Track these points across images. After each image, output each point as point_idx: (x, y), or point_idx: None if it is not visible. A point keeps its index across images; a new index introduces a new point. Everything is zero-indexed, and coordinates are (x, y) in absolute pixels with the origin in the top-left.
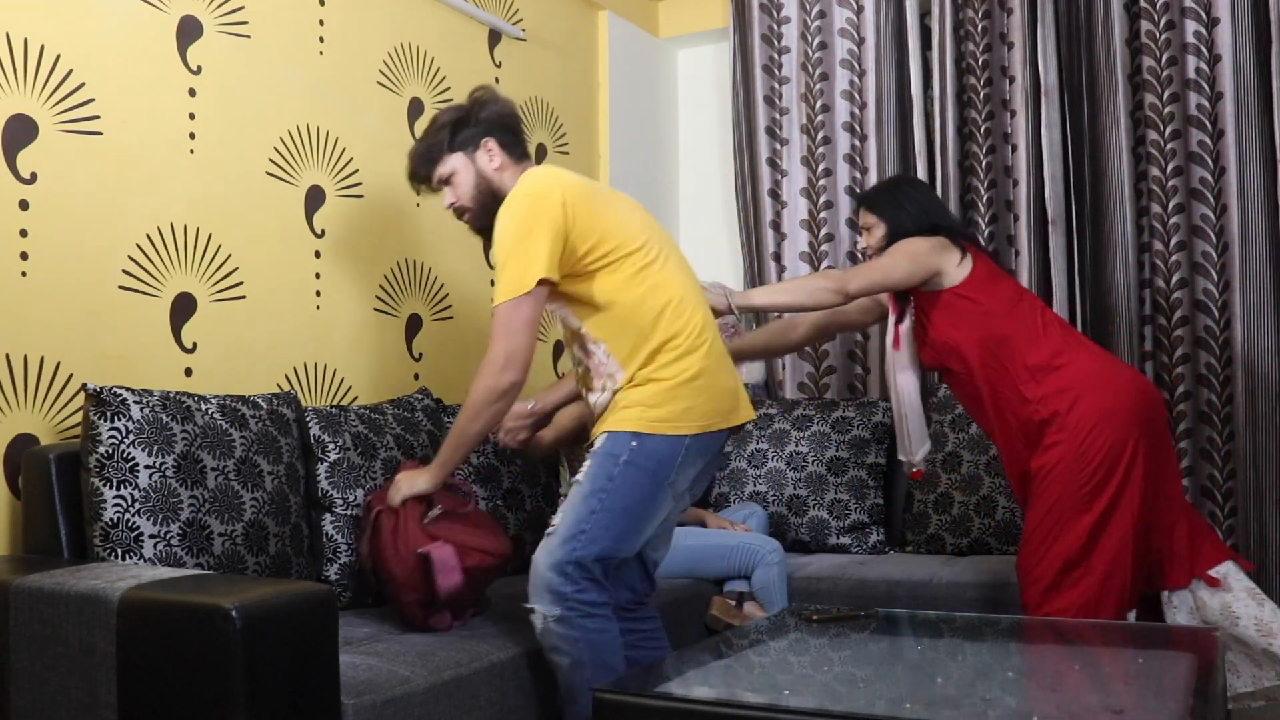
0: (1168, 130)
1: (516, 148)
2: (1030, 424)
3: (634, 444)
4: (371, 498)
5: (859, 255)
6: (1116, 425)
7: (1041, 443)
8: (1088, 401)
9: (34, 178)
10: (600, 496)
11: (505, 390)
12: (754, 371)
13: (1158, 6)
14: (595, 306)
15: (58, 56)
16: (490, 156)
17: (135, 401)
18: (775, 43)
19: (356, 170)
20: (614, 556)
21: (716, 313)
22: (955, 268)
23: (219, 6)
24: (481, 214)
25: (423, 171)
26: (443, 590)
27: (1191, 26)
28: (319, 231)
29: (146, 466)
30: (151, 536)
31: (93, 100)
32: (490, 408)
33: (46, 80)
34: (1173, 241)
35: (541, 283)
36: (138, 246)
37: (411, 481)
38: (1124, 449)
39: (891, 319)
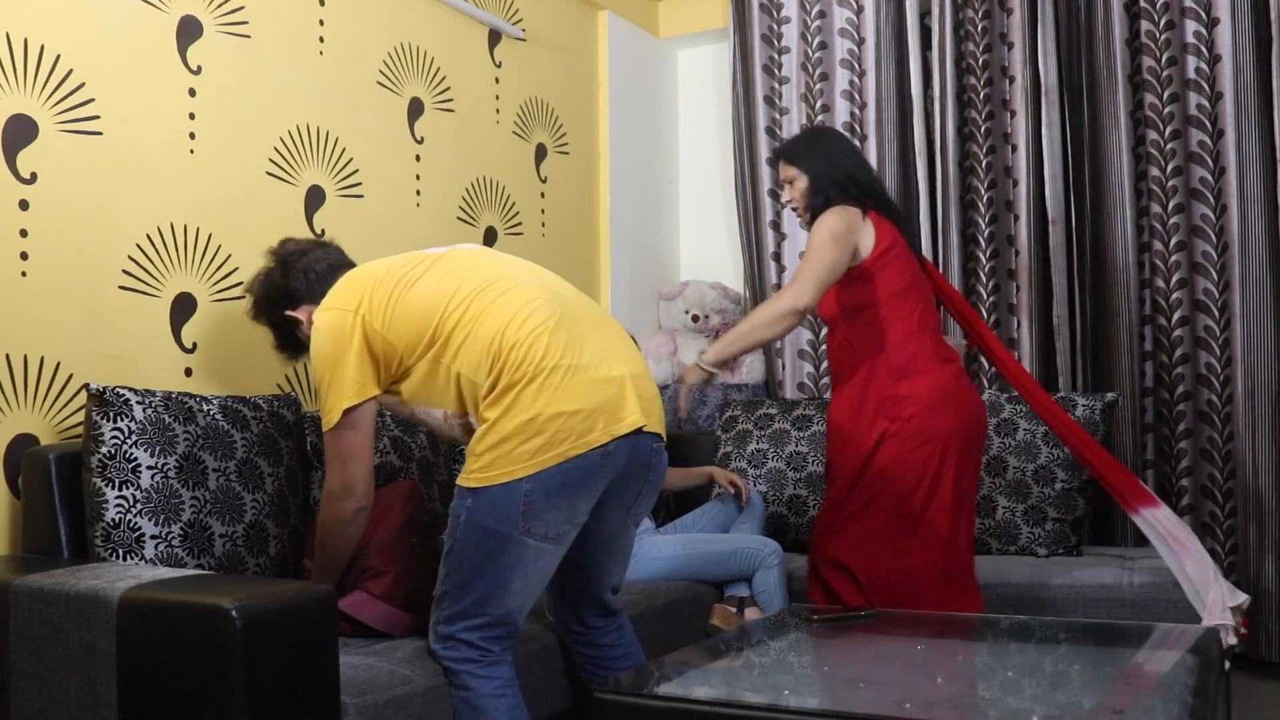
0: (1168, 130)
1: (309, 293)
2: (875, 401)
3: (469, 501)
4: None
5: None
6: (954, 443)
7: (874, 448)
8: (934, 418)
9: (34, 178)
10: (451, 559)
11: (351, 517)
12: (754, 371)
13: (1158, 6)
14: (450, 389)
15: (58, 56)
16: (305, 322)
17: (138, 402)
18: (775, 43)
19: (356, 170)
20: (481, 616)
21: (687, 383)
22: (864, 237)
23: (219, 6)
24: None
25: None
26: (381, 626)
27: (1191, 26)
28: (319, 231)
29: (149, 467)
30: (153, 537)
31: (93, 100)
32: (343, 534)
33: (46, 80)
34: (1173, 241)
35: (354, 409)
36: (138, 246)
37: None
38: (947, 468)
39: None
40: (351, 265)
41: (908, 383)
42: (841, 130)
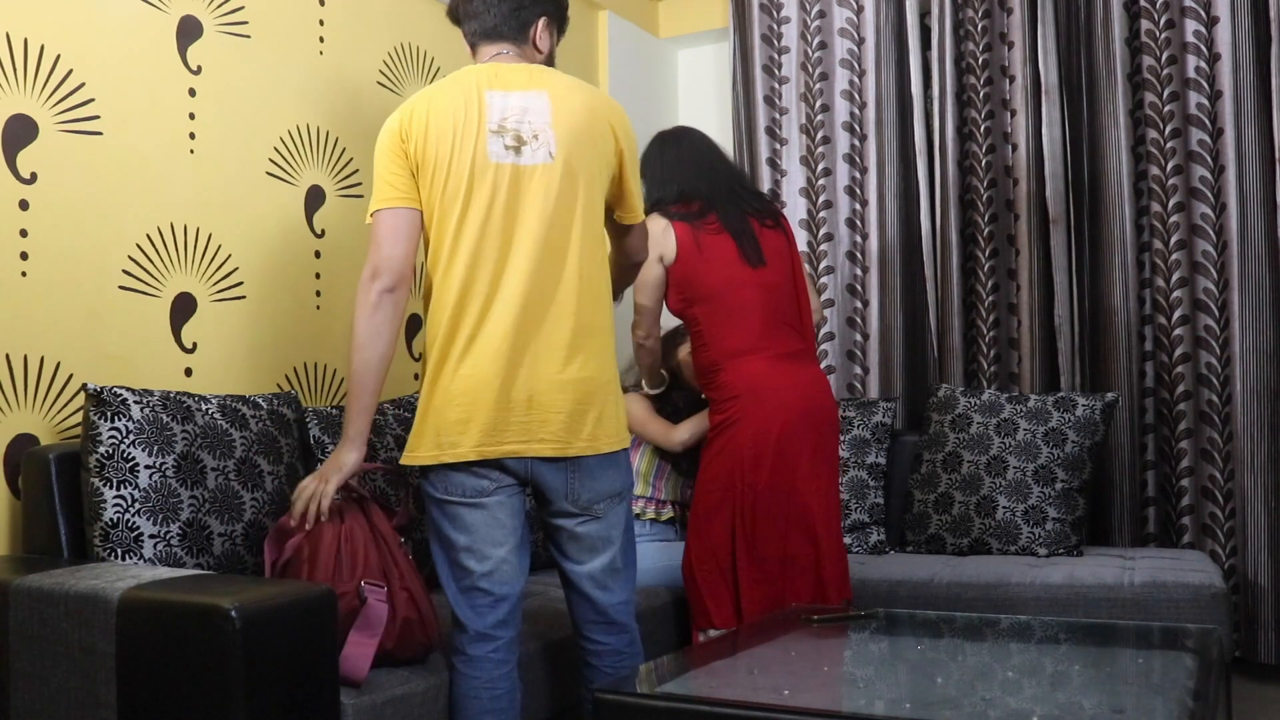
0: (1167, 129)
1: (466, 35)
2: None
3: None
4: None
5: (857, 254)
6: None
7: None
8: (747, 422)
9: (34, 178)
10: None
11: (376, 300)
12: None
13: (1157, 6)
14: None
15: (58, 56)
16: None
17: (135, 401)
18: (775, 43)
19: (356, 170)
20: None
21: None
22: (669, 249)
23: (219, 6)
24: None
25: None
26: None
27: (1191, 26)
28: (319, 231)
29: (146, 466)
30: (151, 537)
31: (93, 100)
32: (368, 323)
33: (46, 80)
34: (1172, 240)
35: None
36: (138, 246)
37: (336, 464)
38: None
39: None
40: (495, 43)
41: (718, 380)
42: (841, 130)
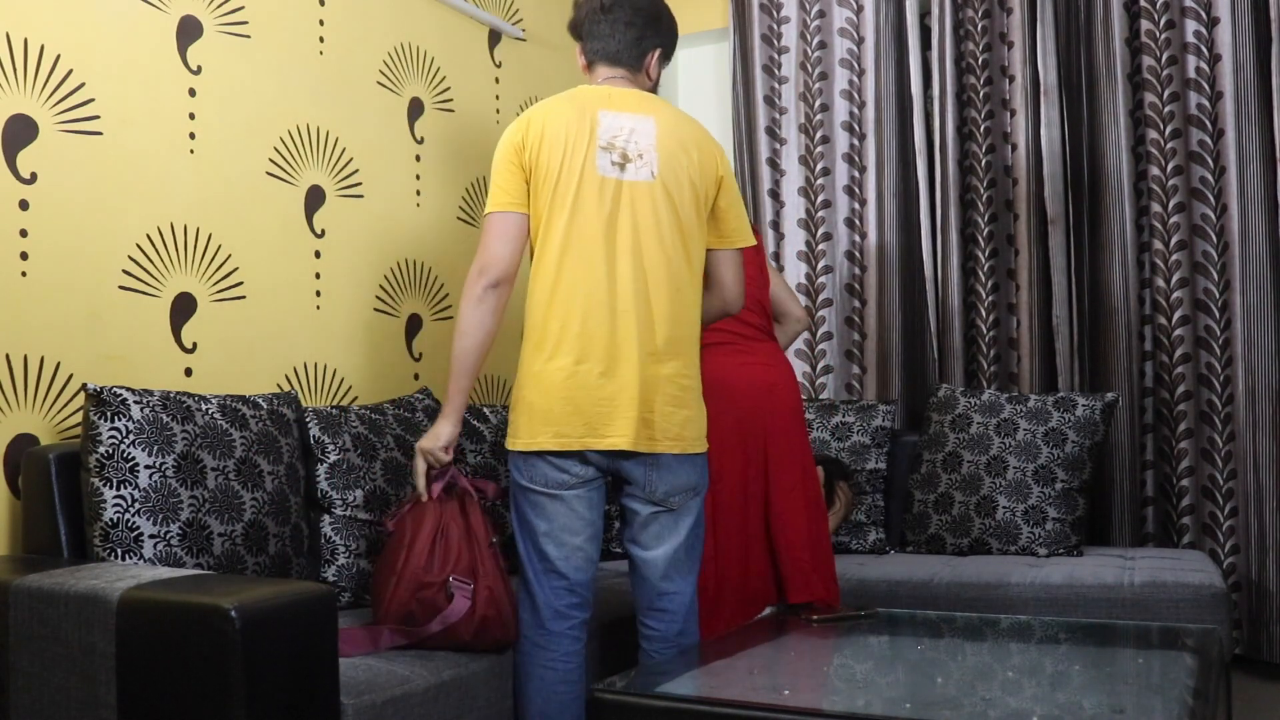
0: (1167, 130)
1: (585, 51)
2: None
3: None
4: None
5: (856, 254)
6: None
7: None
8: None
9: (34, 178)
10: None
11: (480, 295)
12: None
13: (1158, 6)
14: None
15: (58, 56)
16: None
17: (135, 401)
18: (775, 42)
19: (356, 170)
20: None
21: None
22: None
23: (219, 6)
24: None
25: None
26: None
27: (1191, 26)
28: (319, 231)
29: (146, 466)
30: (151, 536)
31: (93, 100)
32: (471, 314)
33: (46, 80)
34: (1173, 241)
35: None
36: (138, 246)
37: (434, 434)
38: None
39: None
40: (613, 67)
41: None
42: (840, 130)
